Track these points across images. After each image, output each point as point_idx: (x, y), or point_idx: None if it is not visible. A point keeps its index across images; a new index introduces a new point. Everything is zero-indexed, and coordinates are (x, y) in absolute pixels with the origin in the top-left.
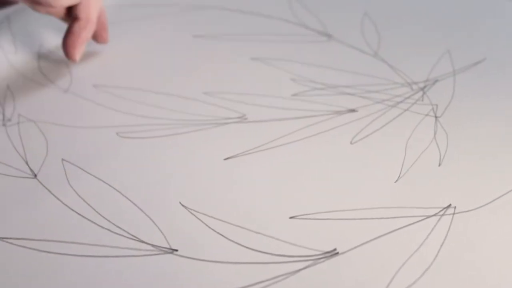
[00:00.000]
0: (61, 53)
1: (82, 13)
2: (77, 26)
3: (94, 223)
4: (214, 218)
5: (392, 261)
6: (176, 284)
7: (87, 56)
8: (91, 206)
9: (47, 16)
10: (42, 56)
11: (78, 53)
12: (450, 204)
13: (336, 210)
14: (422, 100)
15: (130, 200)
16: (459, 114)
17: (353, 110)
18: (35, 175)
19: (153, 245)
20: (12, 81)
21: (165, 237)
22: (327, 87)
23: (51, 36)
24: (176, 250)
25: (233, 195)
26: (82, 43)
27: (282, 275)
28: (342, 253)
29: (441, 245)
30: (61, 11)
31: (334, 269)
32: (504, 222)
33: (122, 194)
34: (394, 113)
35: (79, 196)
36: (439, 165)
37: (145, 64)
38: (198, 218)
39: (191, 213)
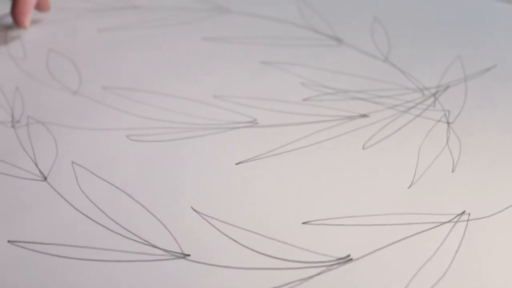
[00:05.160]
0: (71, 55)
1: None
2: None
3: (106, 227)
4: (226, 223)
5: (407, 267)
6: None
7: (95, 57)
8: (102, 211)
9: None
10: (50, 58)
11: (27, 20)
12: (464, 211)
13: (349, 216)
14: (434, 106)
15: (141, 205)
16: (472, 120)
17: (364, 115)
18: (45, 178)
19: (165, 250)
20: (21, 82)
21: (177, 242)
22: (338, 92)
23: (60, 37)
24: (189, 255)
25: (245, 200)
26: (30, 9)
27: (295, 281)
28: (356, 259)
29: (456, 252)
30: None
31: (347, 275)
32: None
33: (133, 198)
34: (406, 119)
35: (90, 200)
36: (453, 171)
37: (154, 67)
38: (210, 223)
39: (203, 218)
